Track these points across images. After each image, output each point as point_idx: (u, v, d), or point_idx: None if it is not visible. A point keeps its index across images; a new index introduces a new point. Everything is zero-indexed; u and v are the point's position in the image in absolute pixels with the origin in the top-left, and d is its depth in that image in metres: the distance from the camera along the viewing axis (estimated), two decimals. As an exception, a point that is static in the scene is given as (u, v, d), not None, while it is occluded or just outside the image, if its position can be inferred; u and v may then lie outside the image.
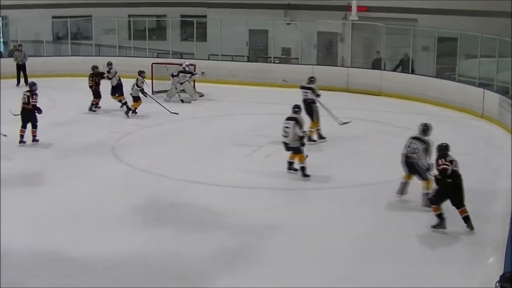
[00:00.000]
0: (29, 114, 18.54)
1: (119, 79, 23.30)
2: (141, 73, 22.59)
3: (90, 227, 12.60)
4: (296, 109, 15.82)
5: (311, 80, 19.32)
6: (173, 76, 25.31)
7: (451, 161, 12.04)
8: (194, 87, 26.03)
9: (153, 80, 26.42)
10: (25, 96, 18.57)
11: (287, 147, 15.63)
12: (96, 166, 16.75)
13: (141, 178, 15.78)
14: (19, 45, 30.44)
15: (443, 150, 12.32)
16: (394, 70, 27.50)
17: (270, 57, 31.03)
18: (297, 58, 30.49)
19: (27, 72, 28.72)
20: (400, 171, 13.95)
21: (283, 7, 31.69)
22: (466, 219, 12.16)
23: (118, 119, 22.08)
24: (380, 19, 28.26)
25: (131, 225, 12.70)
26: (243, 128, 20.62)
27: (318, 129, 18.89)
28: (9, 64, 29.32)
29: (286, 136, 15.47)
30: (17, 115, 18.63)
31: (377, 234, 12.35)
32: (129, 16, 35.30)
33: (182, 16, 35.23)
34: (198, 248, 11.60)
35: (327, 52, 31.24)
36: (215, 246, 11.66)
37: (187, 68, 25.41)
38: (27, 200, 14.13)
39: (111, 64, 23.82)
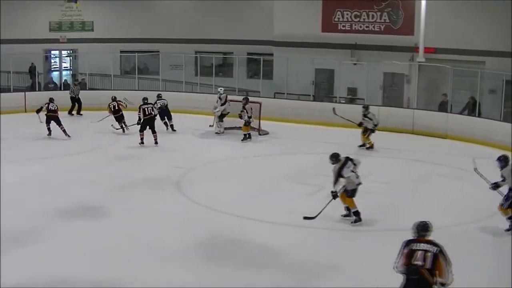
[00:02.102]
0: (151, 121, 23.25)
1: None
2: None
3: (148, 261, 12.63)
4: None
5: None
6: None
7: None
8: (259, 125, 26.02)
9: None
10: (149, 108, 23.35)
11: None
12: (158, 200, 16.79)
13: (201, 213, 15.79)
14: (77, 81, 32.63)
15: None
16: (461, 113, 27.20)
17: (336, 97, 30.97)
18: (363, 99, 30.30)
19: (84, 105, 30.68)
20: (458, 215, 13.60)
21: (350, 47, 31.66)
22: None
23: (183, 154, 22.27)
24: (447, 61, 28.01)
25: (189, 260, 12.70)
26: (305, 167, 20.40)
27: None
28: (84, 96, 30.83)
29: None
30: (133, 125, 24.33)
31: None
32: (196, 52, 35.66)
33: (248, 53, 35.56)
34: (254, 286, 11.54)
35: (393, 93, 31.04)
36: (271, 284, 11.59)
37: (221, 97, 25.99)
38: (88, 231, 14.26)
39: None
